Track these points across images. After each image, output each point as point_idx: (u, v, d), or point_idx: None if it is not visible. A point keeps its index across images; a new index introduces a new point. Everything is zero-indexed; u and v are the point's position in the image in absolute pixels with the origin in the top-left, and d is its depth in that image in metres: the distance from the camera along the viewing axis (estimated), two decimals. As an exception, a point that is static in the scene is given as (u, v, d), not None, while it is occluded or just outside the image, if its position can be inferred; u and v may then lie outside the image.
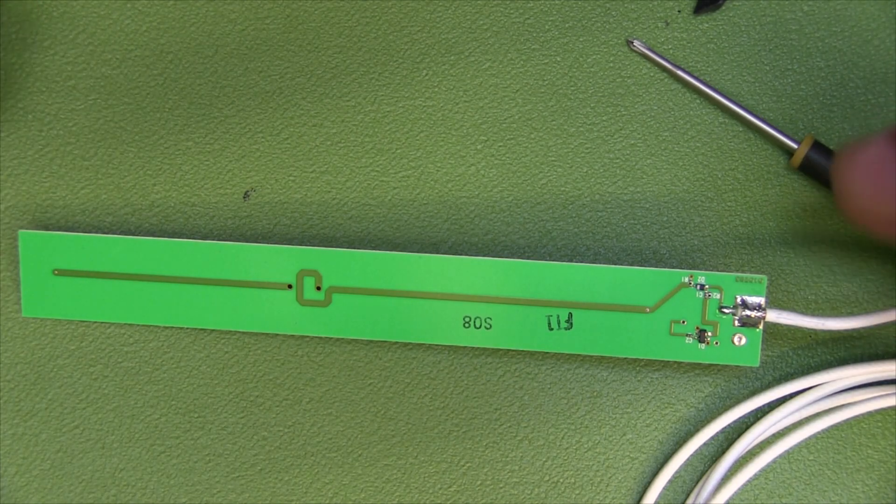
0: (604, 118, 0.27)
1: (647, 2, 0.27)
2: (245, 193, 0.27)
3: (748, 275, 0.24)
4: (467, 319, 0.25)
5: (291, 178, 0.27)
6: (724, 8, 0.27)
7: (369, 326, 0.25)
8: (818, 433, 0.26)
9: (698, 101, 0.27)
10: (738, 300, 0.24)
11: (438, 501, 0.26)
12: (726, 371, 0.26)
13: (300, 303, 0.25)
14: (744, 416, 0.26)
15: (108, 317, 0.26)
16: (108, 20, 0.27)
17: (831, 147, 0.26)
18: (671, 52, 0.27)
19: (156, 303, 0.25)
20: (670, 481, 0.26)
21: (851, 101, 0.27)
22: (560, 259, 0.26)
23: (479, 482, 0.26)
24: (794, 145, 0.26)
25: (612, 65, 0.27)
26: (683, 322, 0.24)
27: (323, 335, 0.25)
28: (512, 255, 0.26)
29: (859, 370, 0.25)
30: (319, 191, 0.27)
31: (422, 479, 0.26)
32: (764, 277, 0.24)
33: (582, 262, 0.26)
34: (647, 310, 0.24)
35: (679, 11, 0.27)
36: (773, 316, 0.24)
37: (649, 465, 0.26)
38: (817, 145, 0.25)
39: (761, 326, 0.24)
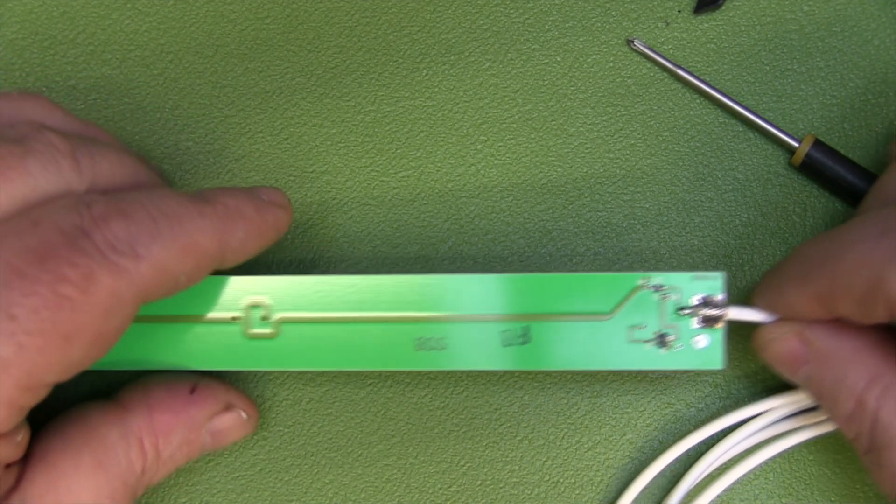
0: (604, 118, 0.27)
1: (647, 2, 0.27)
2: (245, 193, 0.27)
3: (705, 272, 0.23)
4: (420, 341, 0.23)
5: (291, 178, 0.27)
6: (724, 8, 0.27)
7: (319, 357, 0.24)
8: (818, 435, 0.26)
9: (698, 100, 0.27)
10: (697, 300, 0.23)
11: (438, 501, 0.26)
12: (727, 371, 0.26)
13: (247, 335, 0.24)
14: (744, 417, 0.26)
15: None
16: (108, 20, 0.27)
17: (832, 146, 0.26)
18: (671, 51, 0.27)
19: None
20: (668, 480, 0.26)
21: (851, 101, 0.27)
22: (560, 259, 0.26)
23: (479, 482, 0.26)
24: (795, 144, 0.26)
25: (612, 65, 0.27)
26: (643, 327, 0.23)
27: (272, 369, 0.24)
28: (512, 255, 0.26)
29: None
30: (319, 191, 0.27)
31: (422, 479, 0.26)
32: (721, 274, 0.23)
33: (581, 261, 0.26)
34: (605, 317, 0.23)
35: (679, 11, 0.27)
36: (734, 313, 0.23)
37: (649, 465, 0.26)
38: (818, 144, 0.26)
39: (722, 325, 0.23)
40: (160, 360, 0.24)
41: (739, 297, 0.26)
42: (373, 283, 0.24)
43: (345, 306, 0.24)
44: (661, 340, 0.23)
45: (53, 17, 0.27)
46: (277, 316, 0.24)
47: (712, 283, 0.23)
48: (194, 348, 0.23)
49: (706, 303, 0.23)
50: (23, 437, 0.20)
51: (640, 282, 0.23)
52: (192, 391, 0.23)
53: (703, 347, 0.23)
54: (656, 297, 0.23)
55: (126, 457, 0.22)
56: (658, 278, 0.23)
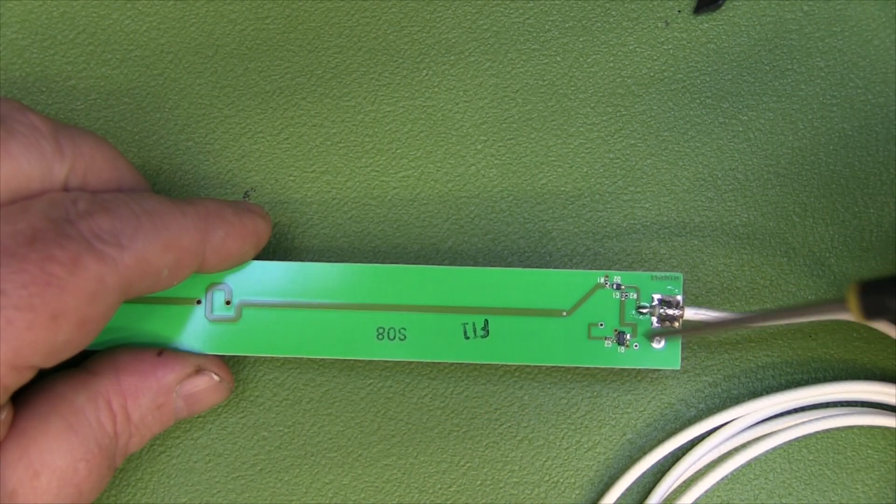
0: (604, 118, 0.27)
1: (647, 2, 0.27)
2: (245, 193, 0.27)
3: (664, 273, 0.24)
4: (381, 331, 0.24)
5: (291, 178, 0.27)
6: (724, 8, 0.27)
7: (279, 342, 0.24)
8: (818, 432, 0.26)
9: (698, 100, 0.27)
10: (656, 299, 0.24)
11: (438, 501, 0.26)
12: (727, 370, 0.26)
13: (209, 319, 0.24)
14: (743, 416, 0.26)
15: None
16: (108, 20, 0.27)
17: (832, 146, 0.26)
18: (671, 51, 0.27)
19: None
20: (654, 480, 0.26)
21: (851, 101, 0.27)
22: (560, 259, 0.26)
23: (479, 482, 0.26)
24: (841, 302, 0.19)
25: (612, 65, 0.27)
26: (601, 325, 0.24)
27: (233, 353, 0.24)
28: (512, 255, 0.26)
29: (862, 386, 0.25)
30: (319, 191, 0.27)
31: (422, 479, 0.26)
32: (680, 275, 0.24)
33: (581, 262, 0.26)
34: (564, 313, 0.24)
35: (679, 11, 0.27)
36: (690, 314, 0.24)
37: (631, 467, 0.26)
38: (865, 289, 0.19)
39: (678, 325, 0.24)
40: (123, 337, 0.24)
41: (740, 295, 0.26)
42: (334, 270, 0.24)
43: (306, 293, 0.24)
44: (621, 338, 0.24)
45: (53, 17, 0.27)
46: (238, 301, 0.24)
47: (671, 284, 0.24)
48: (159, 329, 0.24)
49: (664, 303, 0.24)
50: (6, 415, 0.20)
51: (600, 280, 0.24)
52: (160, 354, 0.23)
53: (661, 347, 0.24)
54: (616, 295, 0.24)
55: (96, 418, 0.22)
56: (618, 277, 0.24)
